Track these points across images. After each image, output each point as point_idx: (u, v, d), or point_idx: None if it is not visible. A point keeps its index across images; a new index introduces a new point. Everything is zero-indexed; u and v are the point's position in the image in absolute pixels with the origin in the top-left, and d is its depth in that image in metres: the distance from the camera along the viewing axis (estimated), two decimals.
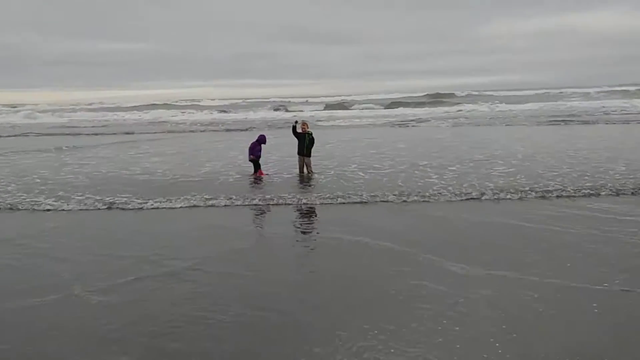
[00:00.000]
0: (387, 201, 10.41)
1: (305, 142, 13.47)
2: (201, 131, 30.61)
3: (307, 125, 13.59)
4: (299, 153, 13.59)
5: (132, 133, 29.50)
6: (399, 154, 16.86)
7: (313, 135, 13.43)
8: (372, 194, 10.85)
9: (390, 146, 19.14)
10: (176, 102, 77.49)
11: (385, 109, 49.18)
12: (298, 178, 13.13)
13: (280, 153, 17.69)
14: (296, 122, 13.69)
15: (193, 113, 49.39)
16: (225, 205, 10.40)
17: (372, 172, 13.60)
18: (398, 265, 6.64)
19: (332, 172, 13.65)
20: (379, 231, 8.20)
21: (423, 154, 16.66)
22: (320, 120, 34.52)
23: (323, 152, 16.89)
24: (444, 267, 6.57)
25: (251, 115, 44.77)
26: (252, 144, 13.72)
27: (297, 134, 13.48)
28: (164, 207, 10.31)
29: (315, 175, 13.22)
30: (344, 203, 10.37)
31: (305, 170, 13.41)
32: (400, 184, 12.00)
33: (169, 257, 7.25)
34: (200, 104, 72.53)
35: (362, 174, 13.38)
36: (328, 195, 10.86)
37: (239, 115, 44.64)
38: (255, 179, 13.06)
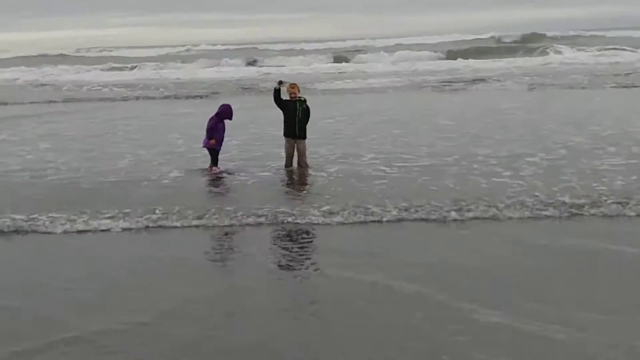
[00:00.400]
0: (428, 219, 10.07)
1: (296, 114, 13.05)
2: (122, 99, 30.14)
3: (297, 88, 13.17)
4: (286, 134, 13.21)
5: (5, 104, 28.60)
6: (444, 135, 16.78)
7: (307, 103, 12.95)
8: (402, 205, 10.55)
9: (429, 123, 19.08)
10: (81, 51, 75.16)
11: (423, 61, 48.70)
12: (284, 175, 12.98)
13: (252, 134, 17.84)
14: (280, 83, 13.35)
15: (109, 69, 48.19)
16: (168, 227, 10.18)
17: (401, 167, 13.41)
18: (442, 328, 6.33)
19: (337, 167, 13.63)
20: (416, 268, 7.97)
21: (483, 135, 16.65)
22: (320, 82, 33.97)
23: (322, 133, 16.77)
24: (518, 330, 6.26)
25: (208, 72, 43.56)
26: (210, 120, 13.46)
27: (283, 102, 13.08)
28: (61, 232, 10.13)
29: (311, 171, 13.02)
30: (357, 222, 10.08)
31: (295, 162, 13.20)
32: (449, 185, 11.96)
33: (86, 313, 7.06)
34: (123, 54, 69.92)
35: (385, 169, 13.24)
36: (332, 207, 10.57)
37: (186, 73, 43.40)
38: (211, 176, 13.03)
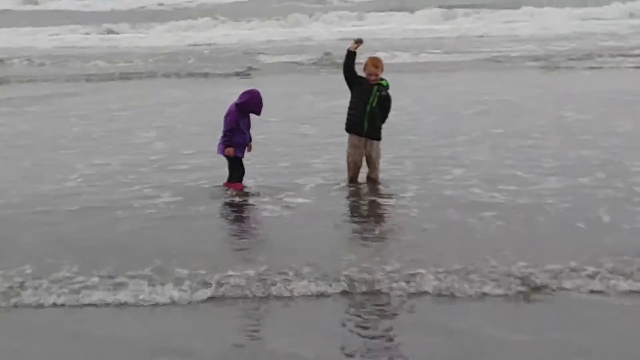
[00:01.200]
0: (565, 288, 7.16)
1: (369, 102, 10.43)
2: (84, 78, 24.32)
3: (379, 66, 10.40)
4: (351, 129, 10.63)
5: None
6: (575, 137, 13.23)
7: (389, 90, 10.56)
8: (550, 268, 7.44)
9: (548, 117, 15.28)
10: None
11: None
12: (348, 195, 10.38)
13: (275, 131, 14.24)
14: (359, 42, 10.51)
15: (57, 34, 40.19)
16: (165, 305, 7.06)
17: (513, 191, 10.23)
18: None
19: (419, 185, 10.59)
20: None
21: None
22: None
23: (386, 130, 12.26)
24: None
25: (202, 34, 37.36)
26: (228, 114, 10.64)
27: (357, 78, 10.50)
28: None
29: (384, 190, 10.42)
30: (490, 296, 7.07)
31: (368, 174, 10.71)
32: (602, 222, 8.97)
33: None
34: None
35: (493, 195, 10.10)
36: (445, 266, 7.55)
37: (171, 38, 36.62)
38: (233, 200, 10.19)
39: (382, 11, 43.42)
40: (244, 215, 9.82)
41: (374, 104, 10.34)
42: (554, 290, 7.08)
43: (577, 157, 11.96)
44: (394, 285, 7.18)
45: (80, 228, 9.04)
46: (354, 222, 9.35)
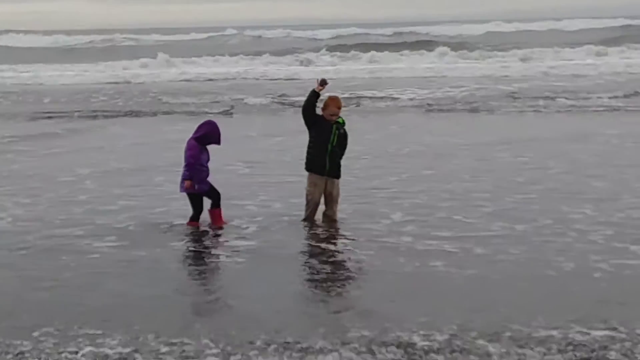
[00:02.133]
0: None
1: (330, 143, 10.58)
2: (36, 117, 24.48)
3: (338, 106, 10.63)
4: (311, 168, 10.65)
5: None
6: (561, 198, 12.11)
7: (345, 128, 10.87)
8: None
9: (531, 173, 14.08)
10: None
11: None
12: (307, 234, 10.24)
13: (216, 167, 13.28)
14: (324, 83, 10.48)
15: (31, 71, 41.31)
16: None
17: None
18: None
19: (387, 230, 10.28)
20: None
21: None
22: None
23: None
24: None
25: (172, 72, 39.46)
26: (189, 148, 10.60)
27: (316, 118, 10.57)
28: None
29: (342, 230, 10.27)
30: None
31: (325, 212, 10.69)
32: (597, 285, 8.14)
33: None
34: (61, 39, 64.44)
35: (460, 246, 9.43)
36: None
37: (141, 73, 38.30)
38: (199, 236, 10.13)
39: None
40: (197, 263, 9.07)
41: (334, 143, 10.45)
42: None
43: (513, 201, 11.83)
44: None
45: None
46: (305, 254, 9.07)
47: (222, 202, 10.55)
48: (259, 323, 6.86)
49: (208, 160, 10.61)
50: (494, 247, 9.23)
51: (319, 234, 10.16)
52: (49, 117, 24.21)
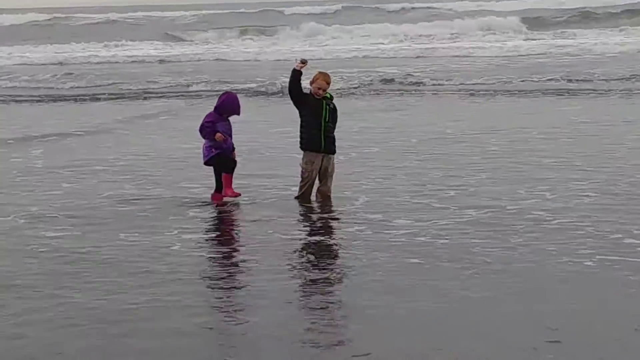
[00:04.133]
0: None
1: (322, 118, 10.67)
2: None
3: (327, 80, 10.75)
4: (307, 147, 10.76)
5: None
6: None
7: (334, 102, 11.10)
8: None
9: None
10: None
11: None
12: (305, 209, 10.22)
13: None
14: (303, 62, 10.75)
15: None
16: None
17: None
18: None
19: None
20: None
21: None
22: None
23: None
24: None
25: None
26: (205, 118, 10.62)
27: (303, 96, 10.78)
28: None
29: (338, 206, 10.26)
30: None
31: (319, 187, 10.79)
32: None
33: None
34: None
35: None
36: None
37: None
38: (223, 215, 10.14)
39: None
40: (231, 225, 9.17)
41: (327, 119, 10.55)
42: None
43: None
44: None
45: None
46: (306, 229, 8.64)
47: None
48: None
49: (230, 133, 10.61)
50: None
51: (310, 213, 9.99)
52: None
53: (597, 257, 7.73)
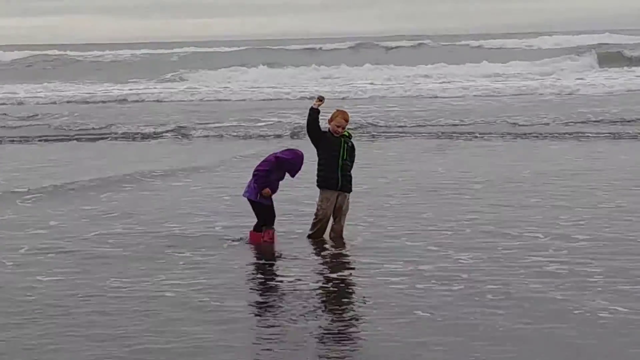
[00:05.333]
0: None
1: (339, 155, 10.69)
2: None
3: (345, 118, 10.79)
4: (324, 185, 10.74)
5: None
6: None
7: (353, 141, 11.08)
8: None
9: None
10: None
11: None
12: (316, 250, 10.18)
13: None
14: (321, 99, 10.76)
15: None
16: None
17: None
18: None
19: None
20: None
21: None
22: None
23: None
24: None
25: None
26: (265, 162, 10.57)
27: (321, 133, 10.79)
28: None
29: (351, 248, 10.22)
30: None
31: (333, 226, 10.76)
32: None
33: None
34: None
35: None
36: None
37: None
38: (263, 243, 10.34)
39: None
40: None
41: (344, 157, 10.52)
42: None
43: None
44: None
45: None
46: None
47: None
48: None
49: (278, 180, 10.53)
50: None
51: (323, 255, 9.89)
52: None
53: None
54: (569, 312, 7.43)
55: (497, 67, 43.61)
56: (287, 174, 10.70)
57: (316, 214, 10.65)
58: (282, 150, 10.88)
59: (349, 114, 11.05)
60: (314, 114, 10.58)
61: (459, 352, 6.54)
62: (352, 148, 10.81)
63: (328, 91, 31.42)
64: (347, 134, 10.80)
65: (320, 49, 59.35)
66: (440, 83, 37.02)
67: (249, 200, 10.64)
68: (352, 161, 10.81)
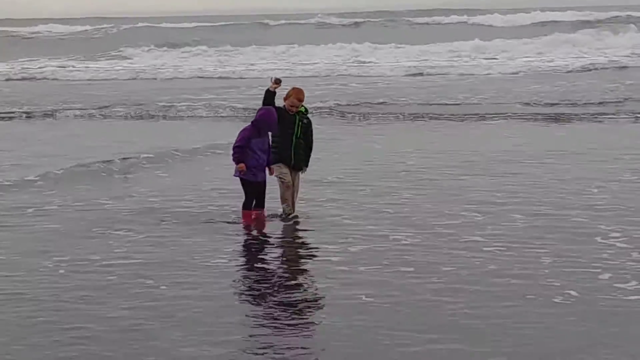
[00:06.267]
0: None
1: (295, 135, 10.80)
2: None
3: (299, 98, 10.75)
4: (277, 159, 10.84)
5: None
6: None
7: (309, 117, 11.09)
8: None
9: None
10: None
11: None
12: (285, 222, 10.61)
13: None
14: (277, 82, 10.75)
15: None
16: None
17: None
18: None
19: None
20: None
21: None
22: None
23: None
24: None
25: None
26: (242, 132, 10.55)
27: (276, 110, 10.77)
28: None
29: (302, 218, 10.66)
30: None
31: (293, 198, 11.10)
32: None
33: None
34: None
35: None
36: None
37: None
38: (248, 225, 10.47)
39: None
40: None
41: (298, 135, 10.60)
42: None
43: None
44: None
45: None
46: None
47: None
48: None
49: (265, 150, 10.47)
50: None
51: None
52: None
53: None
54: None
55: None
56: (269, 135, 10.58)
57: (282, 181, 10.58)
58: (259, 112, 10.62)
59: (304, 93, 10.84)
60: (270, 97, 10.58)
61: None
62: (308, 125, 10.80)
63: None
64: (303, 110, 10.79)
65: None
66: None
67: (240, 179, 10.52)
68: (307, 138, 10.80)
